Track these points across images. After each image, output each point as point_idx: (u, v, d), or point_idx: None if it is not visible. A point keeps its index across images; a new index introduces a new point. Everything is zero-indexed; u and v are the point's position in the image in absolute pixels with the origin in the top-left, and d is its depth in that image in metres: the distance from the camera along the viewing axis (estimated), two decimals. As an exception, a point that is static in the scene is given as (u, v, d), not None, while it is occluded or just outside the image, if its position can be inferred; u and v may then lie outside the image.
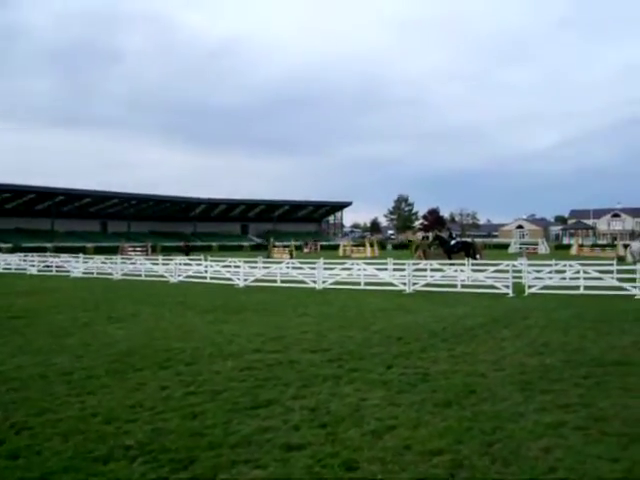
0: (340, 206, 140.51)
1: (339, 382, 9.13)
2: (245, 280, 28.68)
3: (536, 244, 78.64)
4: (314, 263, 28.54)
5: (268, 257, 53.05)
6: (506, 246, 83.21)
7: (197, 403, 8.01)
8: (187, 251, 63.11)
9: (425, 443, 6.43)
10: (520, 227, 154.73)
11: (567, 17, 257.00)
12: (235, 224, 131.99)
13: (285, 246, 69.53)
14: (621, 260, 35.85)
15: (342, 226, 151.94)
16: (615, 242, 75.93)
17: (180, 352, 11.58)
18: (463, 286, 24.61)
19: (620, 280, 22.59)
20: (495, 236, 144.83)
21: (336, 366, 10.28)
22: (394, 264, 29.21)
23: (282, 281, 28.40)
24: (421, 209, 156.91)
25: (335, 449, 6.30)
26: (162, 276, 32.63)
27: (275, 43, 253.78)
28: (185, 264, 35.11)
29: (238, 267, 30.16)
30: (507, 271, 23.76)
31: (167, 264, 34.95)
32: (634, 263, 25.76)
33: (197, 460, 6.01)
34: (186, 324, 15.69)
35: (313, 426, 7.05)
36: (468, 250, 38.81)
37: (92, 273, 36.56)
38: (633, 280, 21.85)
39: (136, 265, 36.60)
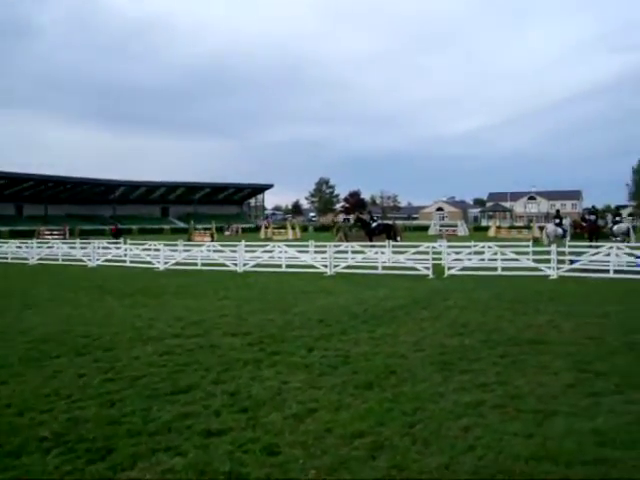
0: (262, 188, 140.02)
1: (260, 366, 9.10)
2: (165, 263, 28.32)
3: (455, 226, 79.99)
4: (235, 246, 28.36)
5: (189, 240, 52.38)
6: (426, 228, 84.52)
7: (115, 390, 7.84)
8: (117, 234, 60.69)
9: (346, 426, 6.46)
10: (440, 209, 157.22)
11: (491, 4, 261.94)
12: (155, 207, 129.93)
13: (206, 229, 68.83)
14: (537, 241, 36.76)
15: (264, 209, 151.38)
16: (531, 224, 77.82)
17: (98, 338, 11.31)
18: (384, 268, 24.78)
19: (536, 261, 23.17)
20: (415, 218, 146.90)
21: (257, 349, 10.25)
22: (315, 246, 29.27)
23: (203, 264, 28.09)
24: (342, 192, 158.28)
25: (256, 434, 6.26)
26: (80, 260, 31.84)
27: (199, 24, 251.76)
28: (104, 247, 34.41)
29: (158, 250, 29.72)
30: (427, 253, 24.09)
31: (85, 248, 34.11)
32: (549, 244, 26.44)
33: (115, 449, 5.87)
34: (104, 309, 15.34)
35: (234, 411, 6.99)
36: (389, 232, 39.11)
37: (6, 258, 35.40)
38: (548, 261, 22.44)
39: (53, 249, 35.62)
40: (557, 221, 37.97)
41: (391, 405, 7.12)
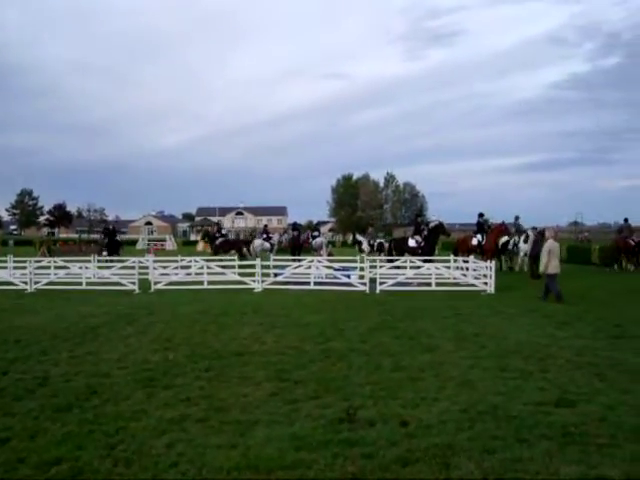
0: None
1: (-57, 396, 8.28)
2: None
3: (164, 240, 79.70)
4: None
5: None
6: (135, 242, 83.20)
7: None
8: None
9: (42, 453, 6.09)
10: (149, 223, 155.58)
11: (203, 22, 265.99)
12: None
13: None
14: (244, 256, 37.82)
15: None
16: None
17: None
18: (89, 284, 24.06)
19: (241, 275, 23.80)
20: (124, 232, 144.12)
21: (-59, 378, 9.33)
22: (14, 261, 27.52)
23: None
24: (47, 204, 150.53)
25: None
26: None
27: None
28: None
29: None
30: (133, 267, 23.74)
31: None
32: (254, 258, 27.27)
33: None
34: None
35: None
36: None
37: None
38: (253, 275, 23.15)
39: None
40: (265, 236, 39.48)
41: (92, 427, 6.86)
